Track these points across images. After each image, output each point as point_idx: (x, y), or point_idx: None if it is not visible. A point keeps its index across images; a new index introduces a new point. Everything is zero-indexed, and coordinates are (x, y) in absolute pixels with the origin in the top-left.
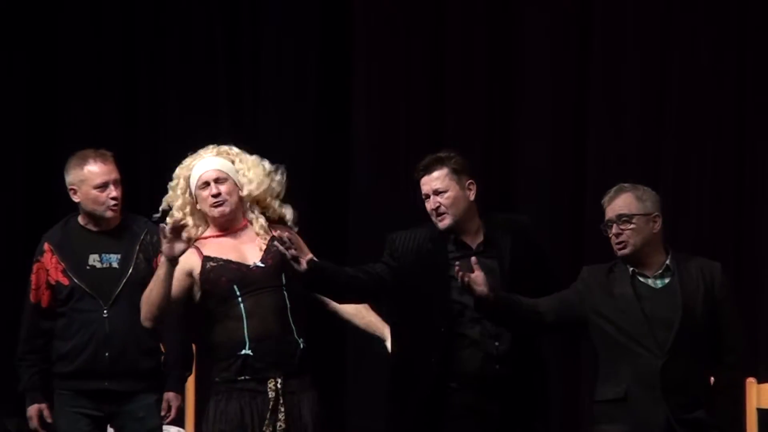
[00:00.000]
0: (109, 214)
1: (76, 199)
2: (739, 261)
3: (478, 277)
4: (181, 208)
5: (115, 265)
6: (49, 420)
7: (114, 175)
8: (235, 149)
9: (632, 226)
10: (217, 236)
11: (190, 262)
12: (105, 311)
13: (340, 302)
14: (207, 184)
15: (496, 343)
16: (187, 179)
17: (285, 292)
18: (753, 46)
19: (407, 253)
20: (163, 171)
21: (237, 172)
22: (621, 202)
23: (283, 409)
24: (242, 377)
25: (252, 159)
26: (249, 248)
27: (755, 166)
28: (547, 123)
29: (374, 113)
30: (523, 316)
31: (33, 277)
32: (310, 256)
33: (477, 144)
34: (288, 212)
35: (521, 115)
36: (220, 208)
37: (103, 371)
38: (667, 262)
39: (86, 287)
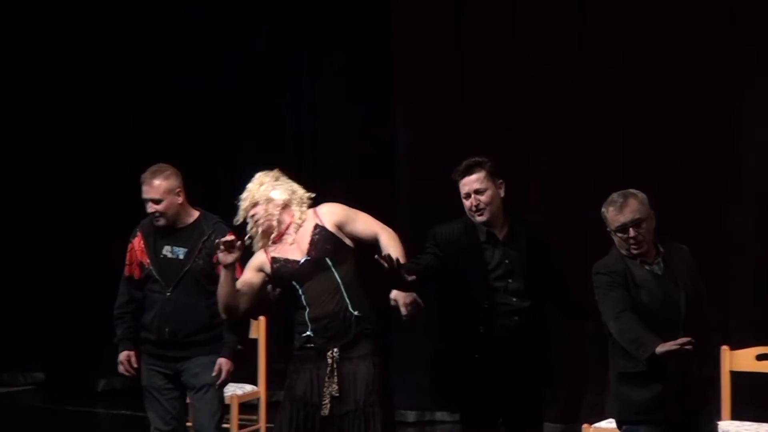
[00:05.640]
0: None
1: None
2: (714, 246)
3: None
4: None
5: (181, 256)
6: (135, 365)
7: (151, 194)
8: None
9: (644, 226)
10: (279, 236)
11: (261, 261)
12: (168, 293)
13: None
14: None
15: (516, 317)
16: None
17: (335, 272)
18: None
19: (447, 243)
20: (238, 182)
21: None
22: (633, 208)
23: (336, 375)
24: (307, 350)
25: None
26: (302, 244)
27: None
28: (554, 137)
29: (411, 124)
30: None
31: (128, 255)
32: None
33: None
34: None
35: (532, 131)
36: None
37: (164, 341)
38: (661, 250)
39: (155, 272)
